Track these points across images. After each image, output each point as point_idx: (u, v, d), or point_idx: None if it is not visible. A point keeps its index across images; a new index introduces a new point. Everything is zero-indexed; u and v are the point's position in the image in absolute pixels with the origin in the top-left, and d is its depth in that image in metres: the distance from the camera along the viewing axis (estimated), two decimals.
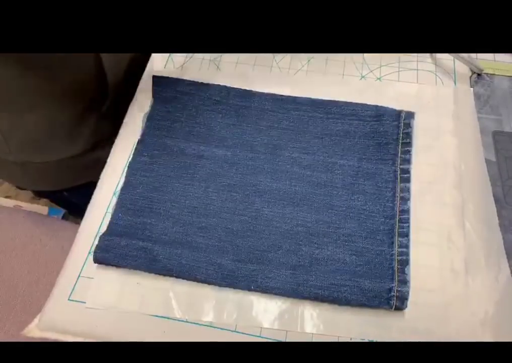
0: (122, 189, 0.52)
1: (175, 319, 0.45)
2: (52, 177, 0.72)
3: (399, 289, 0.44)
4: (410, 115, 0.55)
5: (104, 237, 0.48)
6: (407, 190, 0.50)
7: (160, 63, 0.64)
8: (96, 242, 0.48)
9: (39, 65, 0.53)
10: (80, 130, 0.65)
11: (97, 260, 0.47)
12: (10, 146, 0.63)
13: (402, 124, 0.54)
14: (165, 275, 0.47)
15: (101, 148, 0.67)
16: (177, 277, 0.46)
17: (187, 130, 0.56)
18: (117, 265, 0.47)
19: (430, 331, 0.43)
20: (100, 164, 0.59)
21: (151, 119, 0.57)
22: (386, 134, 0.54)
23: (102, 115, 0.65)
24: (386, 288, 0.44)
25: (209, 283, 0.46)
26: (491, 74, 0.61)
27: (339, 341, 0.43)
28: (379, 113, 0.55)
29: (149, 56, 0.64)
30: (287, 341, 0.43)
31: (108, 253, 0.47)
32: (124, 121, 0.59)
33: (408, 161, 0.52)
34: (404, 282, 0.44)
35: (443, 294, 0.45)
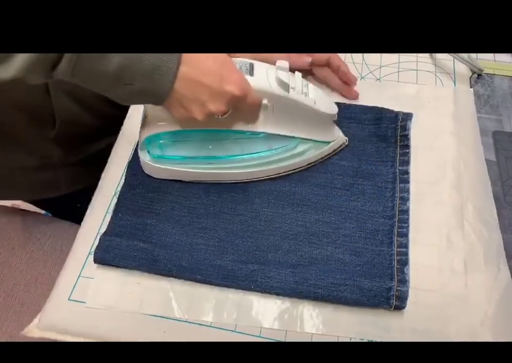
0: (122, 189, 0.52)
1: (175, 319, 0.45)
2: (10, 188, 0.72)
3: (398, 288, 0.44)
4: (408, 117, 0.55)
5: (104, 237, 0.48)
6: (407, 190, 0.50)
7: None
8: (96, 242, 0.48)
9: None
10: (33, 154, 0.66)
11: (97, 260, 0.47)
12: None
13: (399, 127, 0.54)
14: (165, 275, 0.47)
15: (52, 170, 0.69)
16: (177, 277, 0.46)
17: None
18: (117, 265, 0.47)
19: (429, 332, 0.43)
20: (52, 180, 0.64)
21: None
22: (384, 138, 0.54)
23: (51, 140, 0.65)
24: (385, 287, 0.44)
25: (209, 283, 0.46)
26: (491, 74, 0.61)
27: (339, 340, 0.43)
28: (377, 117, 0.55)
29: None
30: (287, 340, 0.43)
31: (108, 254, 0.47)
32: (124, 121, 0.59)
33: (407, 162, 0.52)
34: (404, 281, 0.45)
35: (442, 294, 0.45)
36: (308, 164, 0.52)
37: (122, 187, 0.53)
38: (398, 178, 0.51)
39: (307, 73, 0.57)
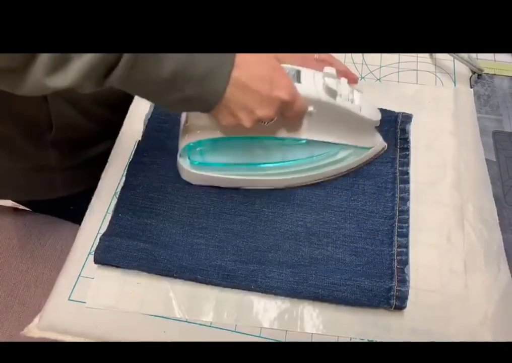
0: (122, 189, 0.52)
1: (175, 319, 0.45)
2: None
3: (398, 288, 0.44)
4: (407, 119, 0.55)
5: (104, 238, 0.48)
6: (407, 191, 0.50)
7: None
8: (96, 243, 0.48)
9: None
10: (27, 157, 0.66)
11: (98, 260, 0.47)
12: None
13: (399, 130, 0.54)
14: (165, 276, 0.47)
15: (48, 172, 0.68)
16: (177, 277, 0.46)
17: None
18: (118, 266, 0.47)
19: (429, 331, 0.43)
20: (49, 183, 0.65)
21: (152, 121, 0.58)
22: (384, 140, 0.54)
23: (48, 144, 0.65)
24: (385, 288, 0.44)
25: (209, 283, 0.46)
26: (491, 74, 0.61)
27: (339, 341, 0.43)
28: None
29: None
30: (287, 341, 0.43)
31: (108, 254, 0.47)
32: (124, 122, 0.60)
33: (407, 164, 0.52)
34: (404, 281, 0.45)
35: (442, 294, 0.45)
36: (347, 170, 0.52)
37: (122, 187, 0.53)
38: (398, 178, 0.51)
39: None
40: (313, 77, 0.43)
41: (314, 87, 0.43)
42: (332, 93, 0.43)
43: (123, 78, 0.34)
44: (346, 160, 0.50)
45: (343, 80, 0.45)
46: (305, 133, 0.46)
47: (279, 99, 0.39)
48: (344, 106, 0.44)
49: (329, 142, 0.48)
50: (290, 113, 0.42)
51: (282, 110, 0.41)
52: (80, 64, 0.32)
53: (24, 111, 0.59)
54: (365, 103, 0.47)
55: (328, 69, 0.43)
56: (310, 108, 0.43)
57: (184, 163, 0.50)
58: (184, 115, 0.48)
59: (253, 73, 0.38)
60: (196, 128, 0.47)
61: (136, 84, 0.36)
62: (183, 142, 0.48)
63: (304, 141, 0.48)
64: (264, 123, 0.42)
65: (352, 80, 0.58)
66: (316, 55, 0.58)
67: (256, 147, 0.50)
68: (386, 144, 0.53)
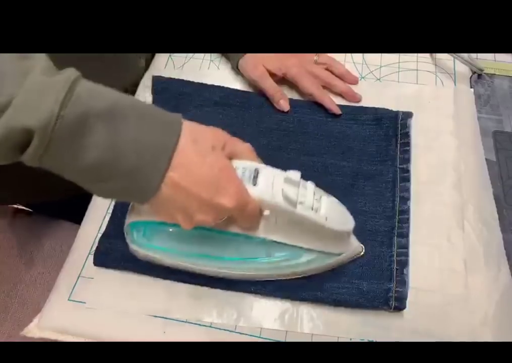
0: None
1: (175, 319, 0.45)
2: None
3: (397, 289, 0.44)
4: (408, 115, 0.55)
5: (103, 240, 0.48)
6: (407, 189, 0.50)
7: (160, 63, 0.64)
8: (96, 243, 0.48)
9: None
10: None
11: (97, 263, 0.47)
12: None
13: (399, 125, 0.54)
14: (165, 279, 0.47)
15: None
16: (177, 280, 0.46)
17: None
18: (117, 268, 0.47)
19: (429, 332, 0.43)
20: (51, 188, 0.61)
21: None
22: (385, 137, 0.54)
23: None
24: (384, 289, 0.44)
25: (210, 286, 0.46)
26: (491, 74, 0.61)
27: (339, 341, 0.43)
28: (377, 117, 0.55)
29: None
30: (287, 341, 0.43)
31: (107, 256, 0.47)
32: None
33: (407, 160, 0.52)
34: (403, 282, 0.44)
35: (443, 294, 0.45)
36: (317, 273, 0.45)
37: None
38: (398, 177, 0.51)
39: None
40: (272, 180, 0.38)
41: (271, 192, 0.38)
42: (291, 202, 0.38)
43: (39, 160, 0.31)
44: (313, 263, 0.44)
45: (310, 186, 0.40)
46: (262, 232, 0.42)
47: (222, 205, 0.35)
48: (304, 215, 0.39)
49: (290, 245, 0.43)
50: (239, 217, 0.39)
51: (227, 215, 0.37)
52: None
53: None
54: (334, 211, 0.41)
55: (292, 174, 0.39)
56: (266, 212, 0.40)
57: (128, 239, 0.45)
58: None
59: (194, 175, 0.34)
60: (141, 207, 0.42)
61: (58, 169, 0.33)
62: (128, 219, 0.43)
63: (260, 240, 0.42)
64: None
65: (353, 81, 0.58)
66: (315, 56, 0.58)
67: (208, 237, 0.44)
68: (363, 247, 0.46)
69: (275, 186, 0.38)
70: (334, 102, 0.56)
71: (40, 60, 0.32)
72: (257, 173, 0.38)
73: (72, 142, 0.31)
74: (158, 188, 0.34)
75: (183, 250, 0.45)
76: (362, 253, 0.46)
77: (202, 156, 0.35)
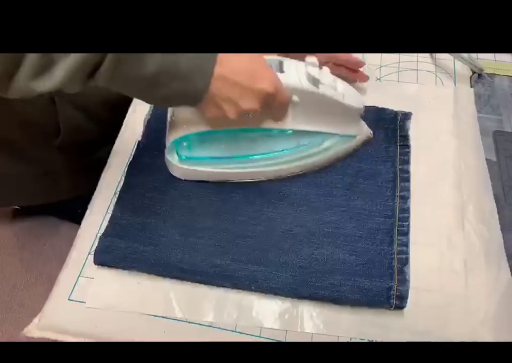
0: (122, 189, 0.52)
1: (175, 319, 0.45)
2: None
3: (399, 287, 0.44)
4: (407, 116, 0.55)
5: (104, 238, 0.48)
6: (407, 189, 0.50)
7: None
8: (96, 243, 0.48)
9: None
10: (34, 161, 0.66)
11: (97, 262, 0.47)
12: None
13: (399, 127, 0.54)
14: (165, 277, 0.47)
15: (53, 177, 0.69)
16: (177, 278, 0.46)
17: None
18: (117, 267, 0.47)
19: (429, 331, 0.43)
20: (54, 186, 0.65)
21: (151, 121, 0.58)
22: (384, 138, 0.54)
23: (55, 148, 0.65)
24: (385, 287, 0.44)
25: (209, 284, 0.46)
26: (491, 74, 0.61)
27: (339, 340, 0.43)
28: (376, 117, 0.55)
29: None
30: (287, 341, 0.43)
31: (108, 255, 0.47)
32: (124, 122, 0.59)
33: (407, 162, 0.52)
34: (404, 280, 0.44)
35: (443, 294, 0.45)
36: (334, 160, 0.52)
37: (122, 186, 0.53)
38: (398, 177, 0.51)
39: None
40: (295, 67, 0.44)
41: (297, 77, 0.43)
42: (315, 81, 0.43)
43: (107, 78, 0.35)
44: (332, 148, 0.51)
45: (326, 69, 0.45)
46: (290, 123, 0.47)
47: (263, 91, 0.40)
48: (327, 94, 0.44)
49: (314, 132, 0.49)
50: (274, 104, 0.43)
51: (266, 101, 0.41)
52: (64, 66, 0.32)
53: (33, 117, 0.59)
54: (348, 90, 0.47)
55: (310, 59, 0.44)
56: (294, 98, 0.44)
57: (172, 158, 0.51)
58: (169, 110, 0.49)
59: (236, 67, 0.39)
60: (182, 123, 0.47)
61: (121, 83, 0.37)
62: (170, 138, 0.48)
63: (289, 131, 0.49)
64: (249, 114, 0.42)
65: (359, 66, 0.58)
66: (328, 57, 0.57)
67: (243, 139, 0.50)
68: (371, 132, 0.53)
69: (299, 71, 0.43)
70: None
71: None
72: (281, 63, 0.44)
73: (137, 55, 0.34)
74: (209, 83, 0.38)
75: (223, 155, 0.51)
76: (372, 137, 0.53)
77: (239, 54, 0.40)
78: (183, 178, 0.52)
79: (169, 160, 0.51)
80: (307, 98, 0.44)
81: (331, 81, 0.45)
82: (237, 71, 0.39)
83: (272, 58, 0.44)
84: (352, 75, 0.58)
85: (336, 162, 0.53)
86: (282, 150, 0.50)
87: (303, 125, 0.48)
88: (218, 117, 0.42)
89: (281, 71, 0.43)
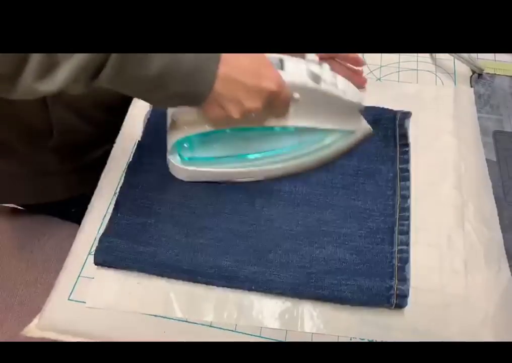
0: (122, 189, 0.52)
1: (175, 319, 0.45)
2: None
3: (399, 286, 0.44)
4: (406, 115, 0.55)
5: (104, 238, 0.48)
6: (407, 188, 0.50)
7: None
8: (96, 243, 0.48)
9: None
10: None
11: (97, 262, 0.47)
12: None
13: (398, 126, 0.54)
14: (165, 277, 0.47)
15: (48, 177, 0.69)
16: (177, 278, 0.46)
17: None
18: (117, 267, 0.47)
19: (430, 331, 0.43)
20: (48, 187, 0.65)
21: (151, 121, 0.58)
22: (384, 138, 0.54)
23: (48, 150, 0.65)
24: (385, 286, 0.44)
25: (210, 284, 0.46)
26: (491, 74, 0.61)
27: (339, 340, 0.43)
28: (376, 117, 0.55)
29: None
30: (287, 340, 0.43)
31: (108, 256, 0.47)
32: (124, 122, 0.59)
33: (407, 161, 0.52)
34: (404, 279, 0.44)
35: (443, 294, 0.45)
36: (336, 156, 0.53)
37: (121, 186, 0.52)
38: (398, 176, 0.51)
39: None
40: (296, 65, 0.44)
41: (299, 74, 0.43)
42: (316, 78, 0.44)
43: (111, 79, 0.34)
44: (334, 145, 0.51)
45: (326, 66, 0.45)
46: (292, 120, 0.47)
47: (267, 89, 0.40)
48: (329, 91, 0.45)
49: (316, 128, 0.49)
50: (277, 102, 0.43)
51: (270, 99, 0.41)
52: (68, 67, 0.32)
53: (25, 117, 0.59)
54: (348, 87, 0.47)
55: (310, 56, 0.44)
56: (296, 95, 0.44)
57: (174, 160, 0.50)
58: (169, 111, 0.48)
59: (240, 66, 0.39)
60: (183, 124, 0.47)
61: (124, 84, 0.36)
62: (172, 139, 0.48)
63: (291, 129, 0.49)
64: (253, 113, 0.42)
65: (359, 64, 0.58)
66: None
67: (245, 138, 0.50)
68: (371, 128, 0.53)
69: (300, 68, 0.43)
70: None
71: None
72: (282, 61, 0.44)
73: (141, 55, 0.34)
74: (213, 83, 0.37)
75: (225, 154, 0.50)
76: (371, 132, 0.53)
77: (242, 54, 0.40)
78: (186, 180, 0.52)
79: (172, 162, 0.50)
80: (309, 94, 0.44)
81: (332, 77, 0.45)
82: (241, 71, 0.39)
83: (272, 56, 0.44)
84: (352, 77, 0.58)
85: (338, 159, 0.53)
86: (284, 148, 0.51)
87: (305, 122, 0.48)
88: (221, 117, 0.41)
89: (282, 68, 0.43)
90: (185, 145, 0.50)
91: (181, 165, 0.50)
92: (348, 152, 0.53)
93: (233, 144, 0.51)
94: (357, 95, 0.48)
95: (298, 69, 0.44)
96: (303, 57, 0.45)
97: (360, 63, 0.58)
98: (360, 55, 0.63)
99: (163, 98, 0.38)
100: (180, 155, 0.50)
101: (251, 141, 0.51)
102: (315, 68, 0.44)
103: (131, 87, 0.37)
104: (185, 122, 0.47)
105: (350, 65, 0.57)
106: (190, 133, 0.47)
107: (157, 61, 0.35)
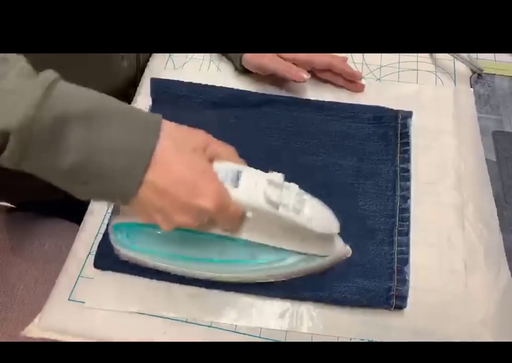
0: None
1: (175, 319, 0.45)
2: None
3: (398, 288, 0.44)
4: (407, 114, 0.55)
5: (103, 243, 0.48)
6: (407, 188, 0.50)
7: (160, 64, 0.64)
8: (96, 243, 0.48)
9: None
10: None
11: (97, 266, 0.47)
12: None
13: (399, 124, 0.54)
14: (165, 281, 0.46)
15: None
16: (178, 283, 0.46)
17: None
18: (117, 271, 0.47)
19: (429, 331, 0.43)
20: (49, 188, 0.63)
21: None
22: (385, 137, 0.54)
23: None
24: (385, 288, 0.44)
25: (210, 288, 0.46)
26: (491, 74, 0.61)
27: (339, 341, 0.43)
28: (377, 116, 0.55)
29: None
30: (287, 341, 0.43)
31: (108, 259, 0.46)
32: None
33: (407, 160, 0.52)
34: (404, 281, 0.44)
35: (443, 294, 0.45)
36: (301, 275, 0.45)
37: None
38: (399, 176, 0.51)
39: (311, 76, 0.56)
40: (254, 182, 0.38)
41: (253, 193, 0.38)
42: (274, 204, 0.38)
43: (13, 164, 0.31)
44: (297, 266, 0.44)
45: (294, 187, 0.39)
46: (244, 234, 0.41)
47: (200, 207, 0.35)
48: (286, 217, 0.38)
49: (273, 247, 0.42)
50: (219, 220, 0.38)
51: (207, 217, 0.36)
52: None
53: None
54: (318, 213, 0.41)
55: (274, 176, 0.39)
56: (248, 214, 0.39)
57: (112, 240, 0.45)
58: None
59: (173, 176, 0.34)
60: (124, 209, 0.42)
61: (34, 171, 0.33)
62: (111, 221, 0.44)
63: (243, 242, 0.42)
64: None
65: (356, 78, 0.58)
66: (326, 62, 0.56)
67: (191, 239, 0.44)
68: (350, 250, 0.46)
69: (258, 186, 0.38)
70: (300, 70, 0.54)
71: (18, 62, 0.32)
72: (239, 175, 0.38)
73: (49, 145, 0.31)
74: (136, 190, 0.33)
75: (167, 252, 0.44)
76: (349, 255, 0.46)
77: (181, 157, 0.35)
78: (126, 259, 0.46)
79: (111, 241, 0.45)
80: (263, 217, 0.39)
81: (297, 202, 0.38)
82: (173, 181, 0.34)
83: (231, 166, 0.38)
84: (349, 85, 0.58)
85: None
86: (234, 260, 0.44)
87: (259, 238, 0.42)
88: (150, 223, 0.37)
89: (236, 185, 0.37)
90: (124, 230, 0.44)
91: (119, 248, 0.45)
92: (321, 273, 0.45)
93: (175, 244, 0.44)
94: (327, 223, 0.41)
95: (254, 187, 0.38)
96: (268, 171, 0.39)
97: (357, 78, 0.57)
98: (359, 55, 0.63)
99: (81, 192, 0.34)
100: (117, 239, 0.45)
101: (196, 244, 0.44)
102: (274, 194, 0.37)
103: (46, 177, 0.33)
104: (125, 208, 0.41)
105: (347, 73, 0.57)
106: (128, 221, 0.42)
107: (71, 154, 0.31)
